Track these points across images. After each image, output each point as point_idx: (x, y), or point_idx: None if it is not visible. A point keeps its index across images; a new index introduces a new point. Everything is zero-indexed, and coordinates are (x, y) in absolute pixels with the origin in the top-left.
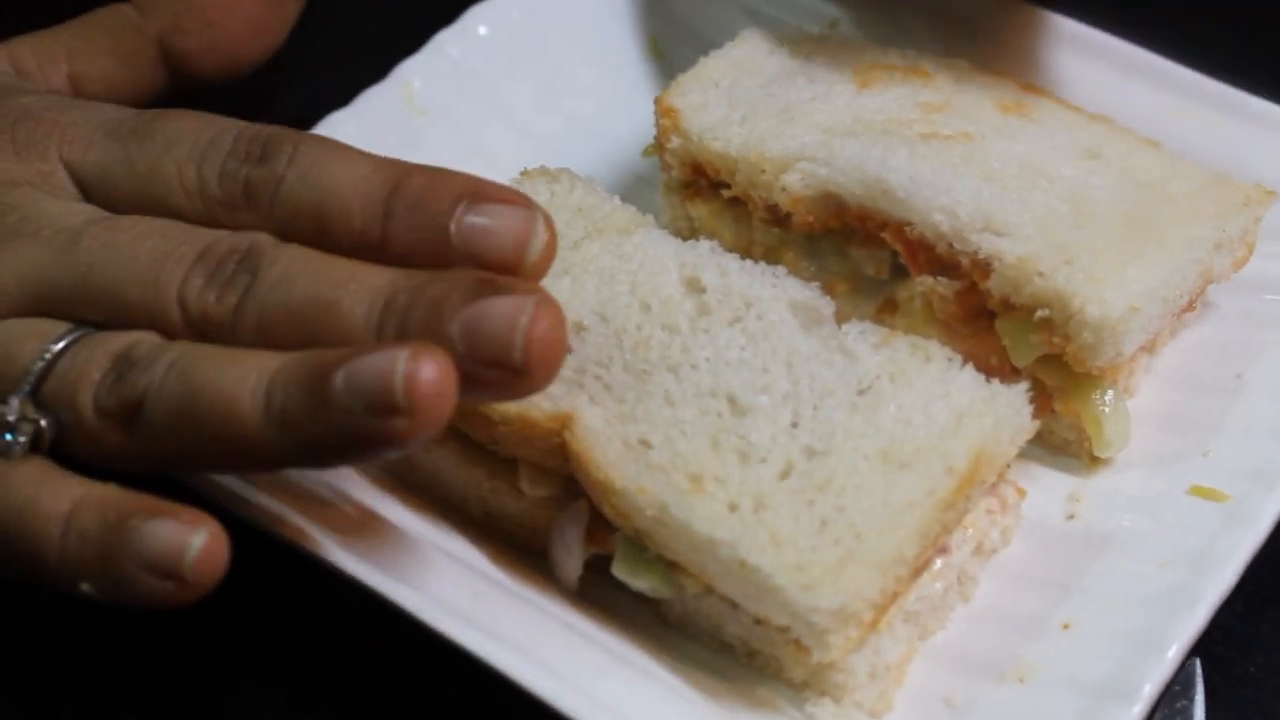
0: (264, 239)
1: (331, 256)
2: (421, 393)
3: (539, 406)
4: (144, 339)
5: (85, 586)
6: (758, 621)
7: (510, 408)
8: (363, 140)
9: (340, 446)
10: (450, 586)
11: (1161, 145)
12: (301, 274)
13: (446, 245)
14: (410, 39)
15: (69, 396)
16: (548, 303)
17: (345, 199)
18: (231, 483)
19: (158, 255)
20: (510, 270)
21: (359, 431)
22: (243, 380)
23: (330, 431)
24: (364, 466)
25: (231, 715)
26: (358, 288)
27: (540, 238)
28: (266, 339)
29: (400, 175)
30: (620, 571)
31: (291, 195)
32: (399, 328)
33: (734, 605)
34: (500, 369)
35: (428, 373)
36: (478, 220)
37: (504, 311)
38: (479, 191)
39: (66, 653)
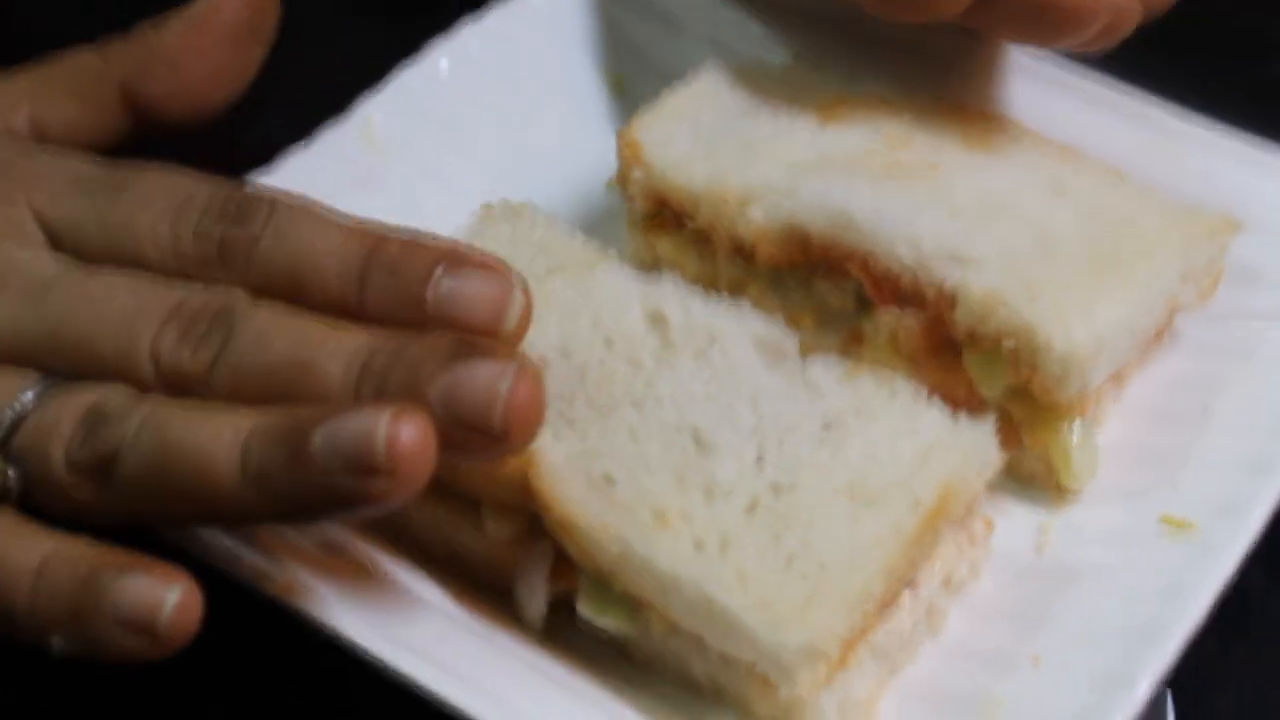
0: (239, 296)
1: (307, 317)
2: (403, 453)
3: None
4: (116, 393)
5: (56, 641)
6: (725, 659)
7: None
8: (323, 178)
9: (317, 505)
10: (414, 628)
11: (1127, 177)
12: (278, 333)
13: (423, 311)
14: (371, 76)
15: (40, 450)
16: (527, 368)
17: (321, 262)
18: (200, 539)
19: (131, 309)
20: (487, 335)
21: (337, 491)
22: (218, 437)
23: (308, 490)
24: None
25: None
26: (335, 347)
27: (518, 304)
28: (241, 397)
29: (376, 240)
30: (585, 610)
31: (267, 256)
32: (377, 389)
33: (700, 643)
34: (480, 433)
35: (409, 433)
36: (455, 285)
37: (484, 376)
38: (456, 257)
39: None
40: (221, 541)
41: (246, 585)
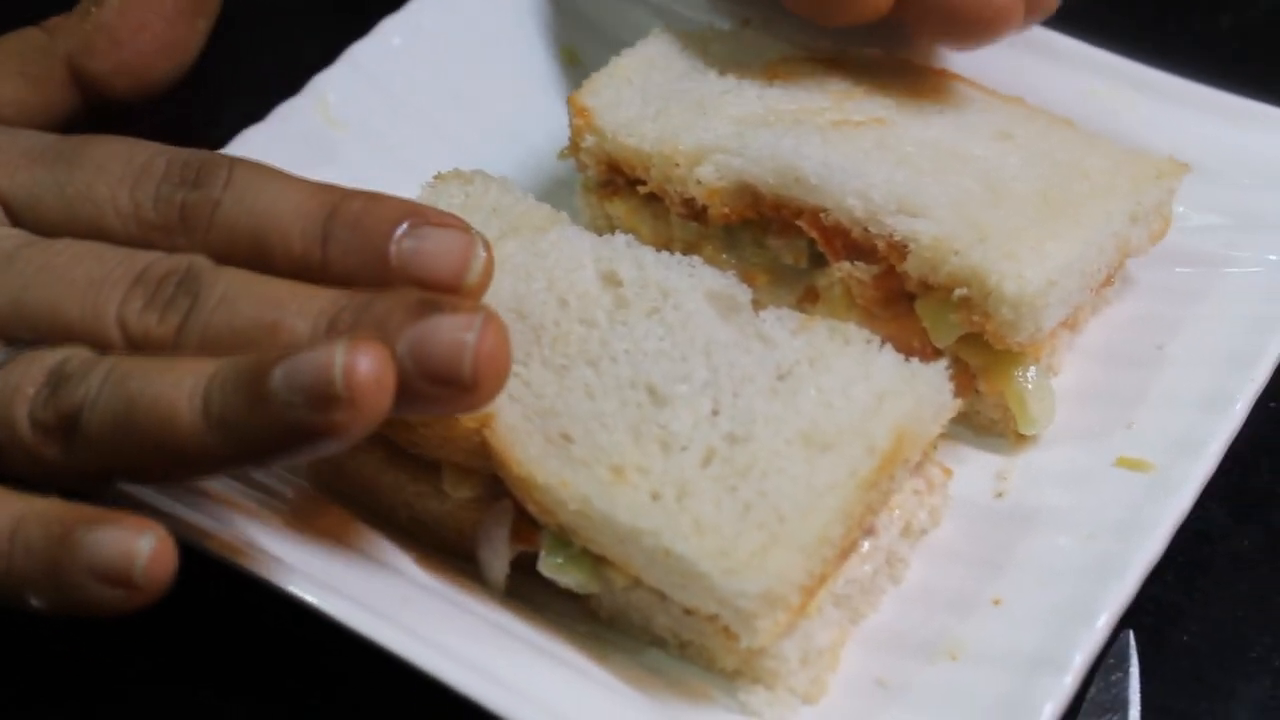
0: (201, 261)
1: (271, 278)
2: (361, 383)
3: None
4: (77, 353)
5: (34, 600)
6: (687, 611)
7: None
8: (279, 154)
9: (280, 443)
10: (378, 592)
11: (1075, 124)
12: (243, 295)
13: (387, 268)
14: (324, 52)
15: (4, 413)
16: (493, 318)
17: (284, 222)
18: (152, 496)
19: (95, 277)
20: (450, 292)
21: (298, 426)
22: (178, 385)
23: (269, 428)
24: (291, 471)
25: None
26: (300, 307)
27: (480, 259)
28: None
29: (338, 199)
30: (547, 568)
31: (228, 219)
32: None
33: (663, 597)
34: (448, 385)
35: (366, 364)
36: (417, 242)
37: (451, 328)
38: (417, 214)
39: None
40: (190, 514)
41: (212, 554)
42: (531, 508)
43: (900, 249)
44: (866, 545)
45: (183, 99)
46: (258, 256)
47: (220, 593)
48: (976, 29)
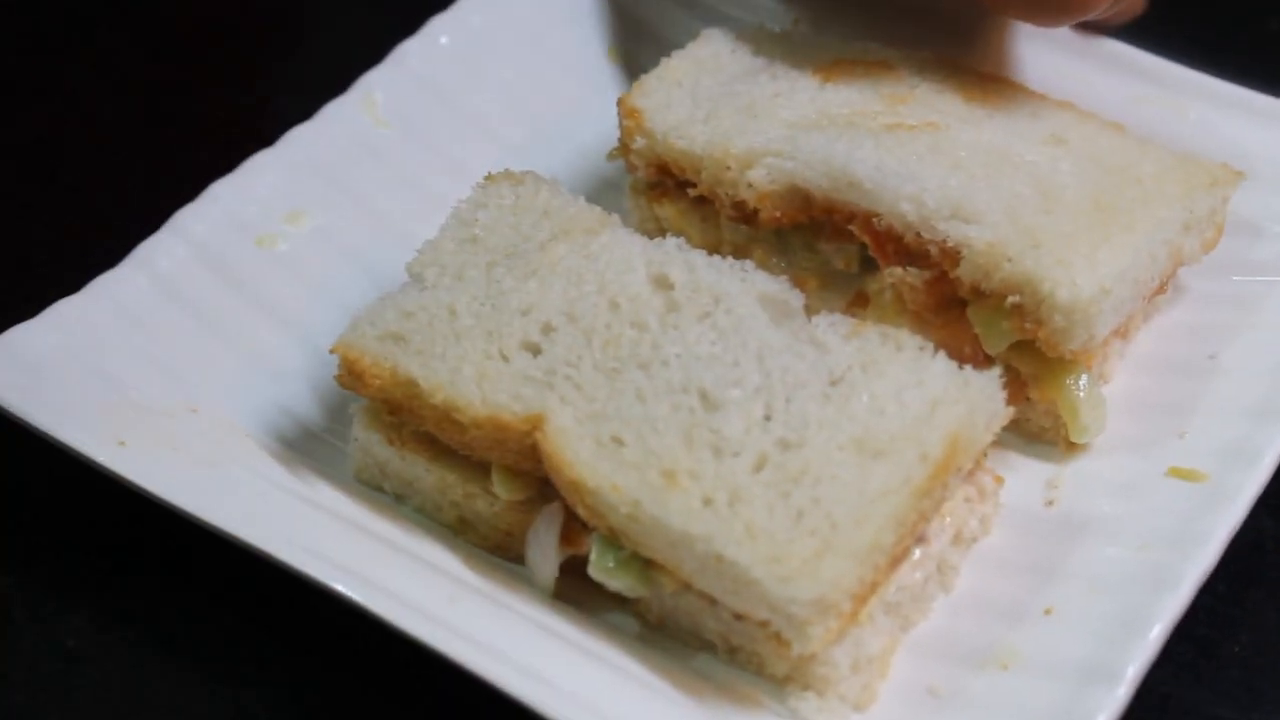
0: None
1: None
2: None
3: (509, 409)
4: None
5: None
6: (737, 617)
7: (480, 410)
8: (327, 153)
9: None
10: (426, 592)
11: (1128, 130)
12: None
13: None
14: (372, 51)
15: None
16: None
17: None
18: (214, 513)
19: None
20: None
21: None
22: None
23: None
24: (338, 470)
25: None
26: None
27: None
28: None
29: None
30: (596, 572)
31: None
32: None
33: (713, 601)
34: None
35: None
36: None
37: None
38: None
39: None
40: (249, 529)
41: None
42: (582, 511)
43: (953, 255)
44: (918, 553)
45: (232, 98)
46: None
47: (268, 590)
48: (1065, 8)
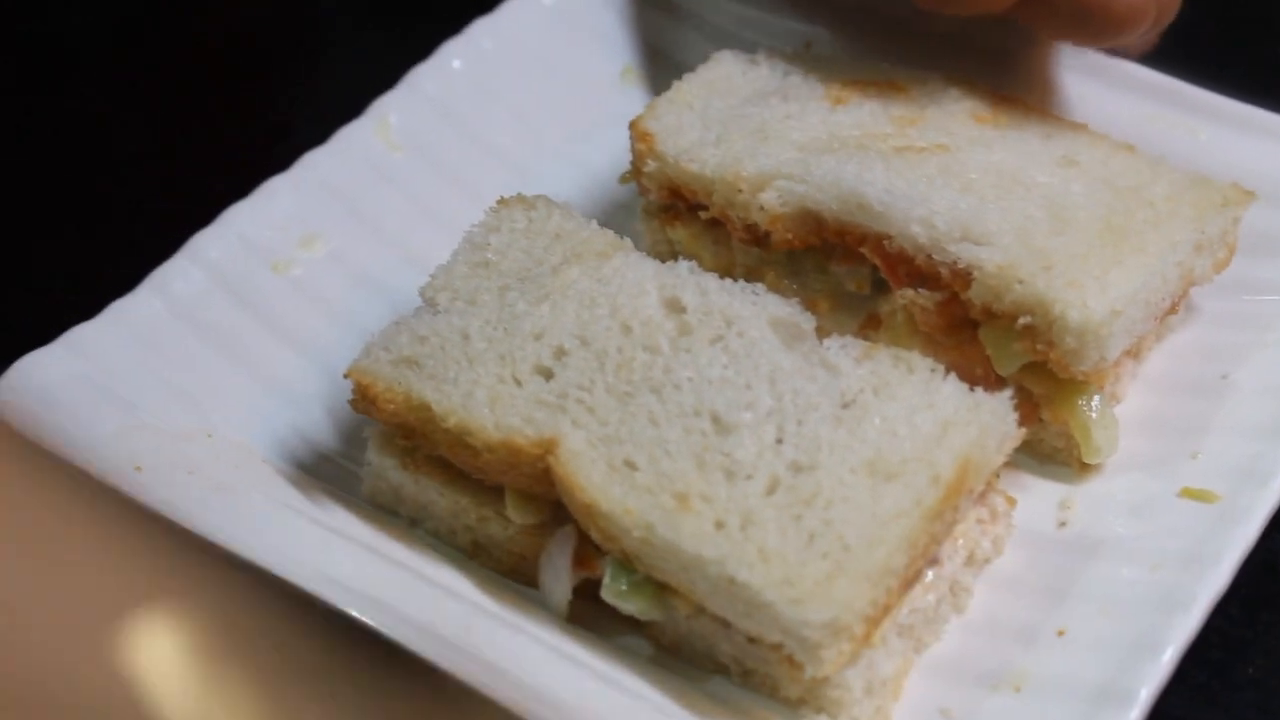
0: None
1: None
2: None
3: (522, 432)
4: None
5: None
6: (750, 640)
7: (493, 434)
8: (341, 177)
9: None
10: (441, 617)
11: (1137, 150)
12: None
13: None
14: (385, 76)
15: None
16: None
17: None
18: (230, 537)
19: None
20: None
21: None
22: None
23: None
24: (351, 494)
25: None
26: None
27: None
28: None
29: None
30: (610, 595)
31: None
32: None
33: (726, 624)
34: None
35: None
36: None
37: None
38: None
39: None
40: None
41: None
42: (595, 534)
43: (964, 276)
44: (930, 574)
45: (247, 123)
46: None
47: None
48: (1108, 28)
